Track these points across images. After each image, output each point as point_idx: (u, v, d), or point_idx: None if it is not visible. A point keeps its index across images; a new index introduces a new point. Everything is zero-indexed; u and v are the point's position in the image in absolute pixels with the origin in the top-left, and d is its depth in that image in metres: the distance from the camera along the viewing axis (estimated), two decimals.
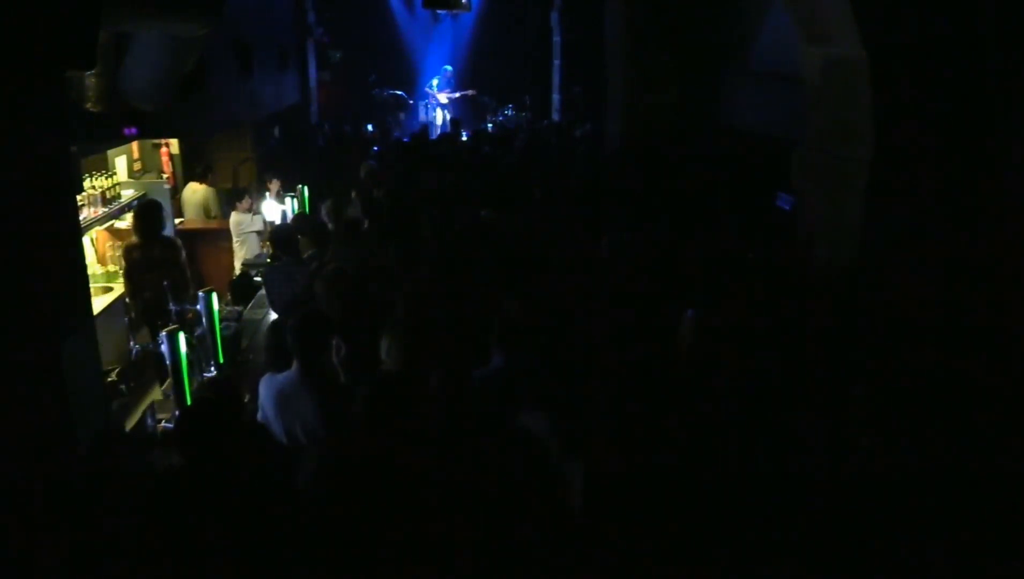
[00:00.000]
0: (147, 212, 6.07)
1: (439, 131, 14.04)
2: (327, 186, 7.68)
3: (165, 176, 8.68)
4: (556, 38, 14.43)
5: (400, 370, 3.30)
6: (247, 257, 7.46)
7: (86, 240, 6.35)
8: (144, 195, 7.07)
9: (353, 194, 7.18)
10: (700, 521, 2.65)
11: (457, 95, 16.38)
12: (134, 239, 6.00)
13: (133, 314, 5.89)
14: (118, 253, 6.50)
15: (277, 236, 5.72)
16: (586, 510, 2.68)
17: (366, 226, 5.98)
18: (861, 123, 4.69)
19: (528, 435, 2.98)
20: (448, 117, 15.89)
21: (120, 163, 8.03)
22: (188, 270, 6.15)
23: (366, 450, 2.88)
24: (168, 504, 2.73)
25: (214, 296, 4.49)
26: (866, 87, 4.55)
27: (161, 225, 6.21)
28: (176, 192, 8.76)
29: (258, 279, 6.08)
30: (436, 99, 16.35)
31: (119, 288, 6.10)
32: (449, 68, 16.61)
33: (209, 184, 8.58)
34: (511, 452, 2.92)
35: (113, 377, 4.45)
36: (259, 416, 3.59)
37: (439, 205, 6.42)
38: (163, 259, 5.82)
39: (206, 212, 8.54)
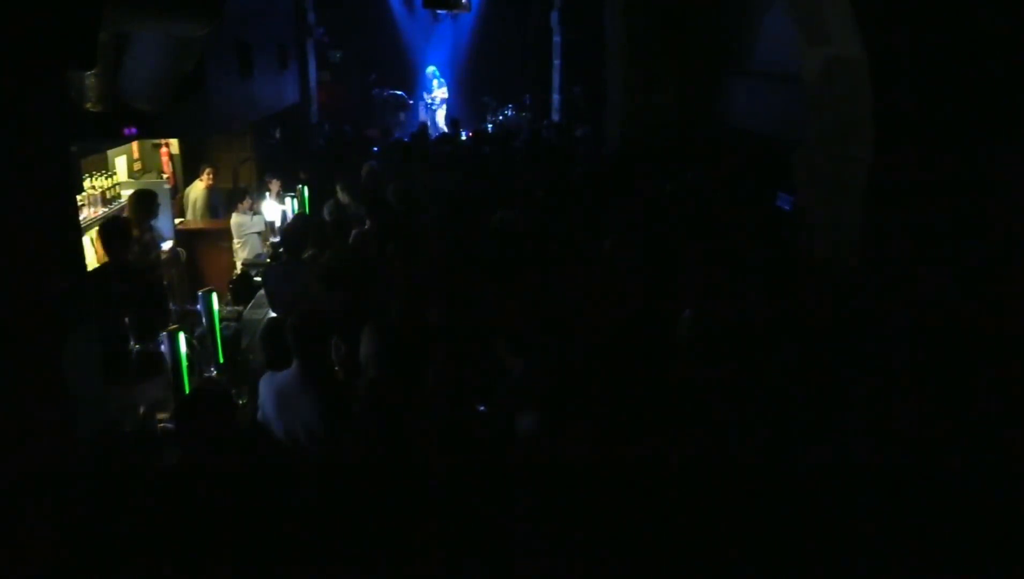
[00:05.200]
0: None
1: (433, 131, 14.05)
2: (327, 186, 7.68)
3: (165, 176, 8.68)
4: (556, 38, 14.43)
5: (388, 372, 3.29)
6: (247, 257, 7.46)
7: (86, 240, 6.36)
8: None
9: (339, 192, 7.17)
10: (698, 518, 2.66)
11: (440, 93, 16.39)
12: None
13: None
14: None
15: (288, 236, 5.66)
16: (583, 508, 2.69)
17: (367, 225, 5.99)
18: (861, 123, 4.69)
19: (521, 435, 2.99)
20: (435, 115, 15.94)
21: (120, 163, 8.04)
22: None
23: (365, 451, 2.89)
24: (168, 503, 2.73)
25: (214, 296, 4.49)
26: (866, 87, 4.55)
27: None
28: (176, 192, 8.77)
29: (258, 279, 6.08)
30: (427, 101, 16.36)
31: None
32: (432, 68, 16.59)
33: (206, 183, 8.60)
34: (506, 450, 2.92)
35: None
36: (259, 416, 3.60)
37: (440, 205, 6.42)
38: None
39: (194, 211, 8.58)
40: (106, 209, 6.86)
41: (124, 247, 5.00)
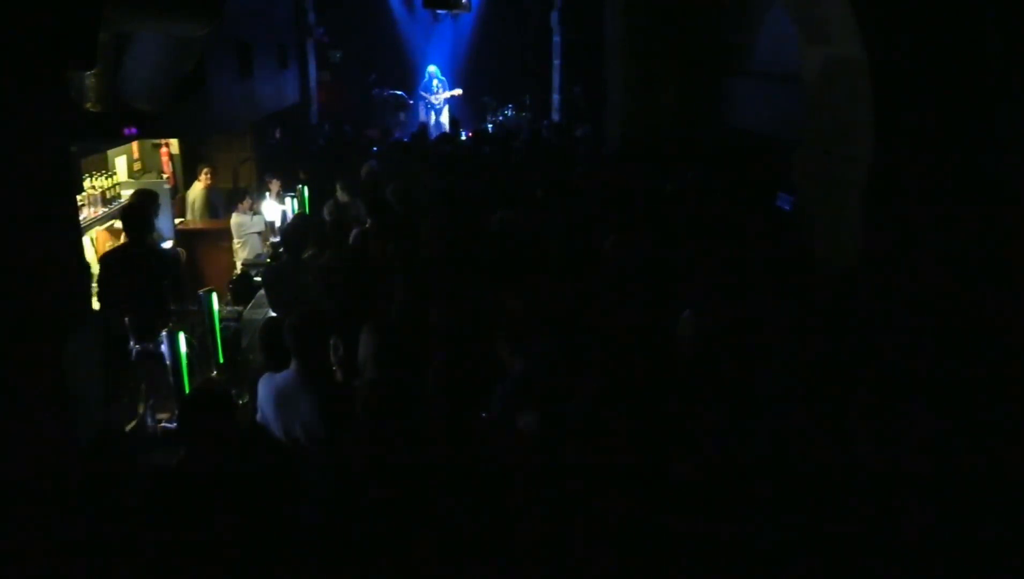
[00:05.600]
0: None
1: (436, 131, 14.04)
2: (327, 186, 7.69)
3: (165, 176, 8.69)
4: (556, 38, 14.43)
5: (387, 371, 3.29)
6: (247, 257, 7.45)
7: (86, 240, 6.36)
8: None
9: (339, 192, 7.18)
10: (699, 519, 2.66)
11: (445, 95, 16.36)
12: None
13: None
14: None
15: (288, 236, 5.66)
16: (584, 509, 2.69)
17: (367, 225, 5.99)
18: (861, 123, 4.69)
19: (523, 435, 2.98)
20: (439, 116, 15.91)
21: (120, 163, 8.04)
22: None
23: (368, 451, 2.89)
24: (168, 504, 2.73)
25: (214, 296, 4.49)
26: (866, 87, 4.55)
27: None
28: (176, 192, 8.77)
29: (258, 279, 6.08)
30: (431, 102, 16.35)
31: None
32: (433, 68, 16.54)
33: (204, 183, 8.60)
34: (506, 451, 2.92)
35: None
36: (258, 416, 3.59)
37: (440, 205, 6.42)
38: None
39: (193, 211, 8.60)
40: (106, 209, 6.86)
41: (146, 228, 5.35)
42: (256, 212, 7.73)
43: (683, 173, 7.11)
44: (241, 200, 7.80)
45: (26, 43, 2.71)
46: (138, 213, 5.33)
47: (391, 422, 2.91)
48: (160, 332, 4.17)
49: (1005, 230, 4.33)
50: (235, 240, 7.67)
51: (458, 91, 16.39)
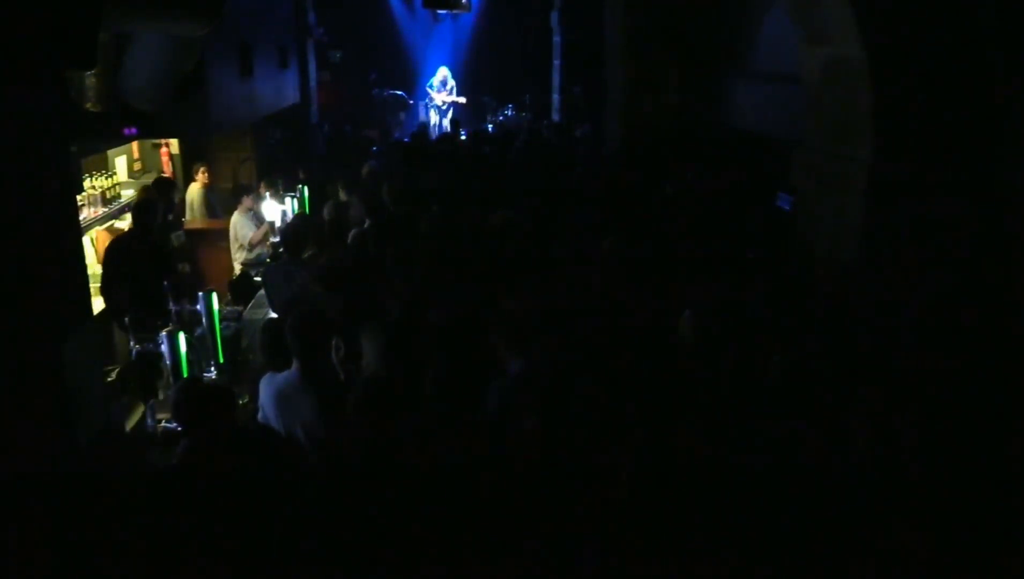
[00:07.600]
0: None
1: (437, 132, 14.03)
2: (327, 186, 7.69)
3: (165, 176, 8.68)
4: (556, 38, 14.43)
5: (385, 371, 3.29)
6: (247, 257, 7.45)
7: (86, 240, 6.35)
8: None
9: (341, 192, 7.18)
10: (697, 519, 2.66)
11: (450, 99, 16.37)
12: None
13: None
14: None
15: (288, 236, 5.66)
16: (582, 508, 2.69)
17: (367, 225, 5.98)
18: (861, 123, 4.69)
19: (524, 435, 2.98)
20: (444, 118, 15.92)
21: (120, 163, 8.04)
22: None
23: (363, 450, 2.89)
24: (168, 504, 2.73)
25: (214, 296, 4.49)
26: (866, 87, 4.55)
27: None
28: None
29: (258, 279, 6.07)
30: (434, 101, 16.36)
31: None
32: (445, 69, 16.55)
33: (201, 182, 8.59)
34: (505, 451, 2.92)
35: (113, 377, 4.45)
36: (259, 417, 3.59)
37: (439, 205, 6.42)
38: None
39: (191, 211, 8.58)
40: (106, 209, 6.86)
41: (153, 222, 5.84)
42: (257, 214, 7.72)
43: (683, 173, 7.11)
44: (246, 194, 7.77)
45: (26, 43, 2.71)
46: (146, 207, 5.80)
47: (386, 421, 2.91)
48: (160, 332, 4.18)
49: (1005, 230, 4.33)
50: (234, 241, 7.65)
51: (462, 99, 16.43)
